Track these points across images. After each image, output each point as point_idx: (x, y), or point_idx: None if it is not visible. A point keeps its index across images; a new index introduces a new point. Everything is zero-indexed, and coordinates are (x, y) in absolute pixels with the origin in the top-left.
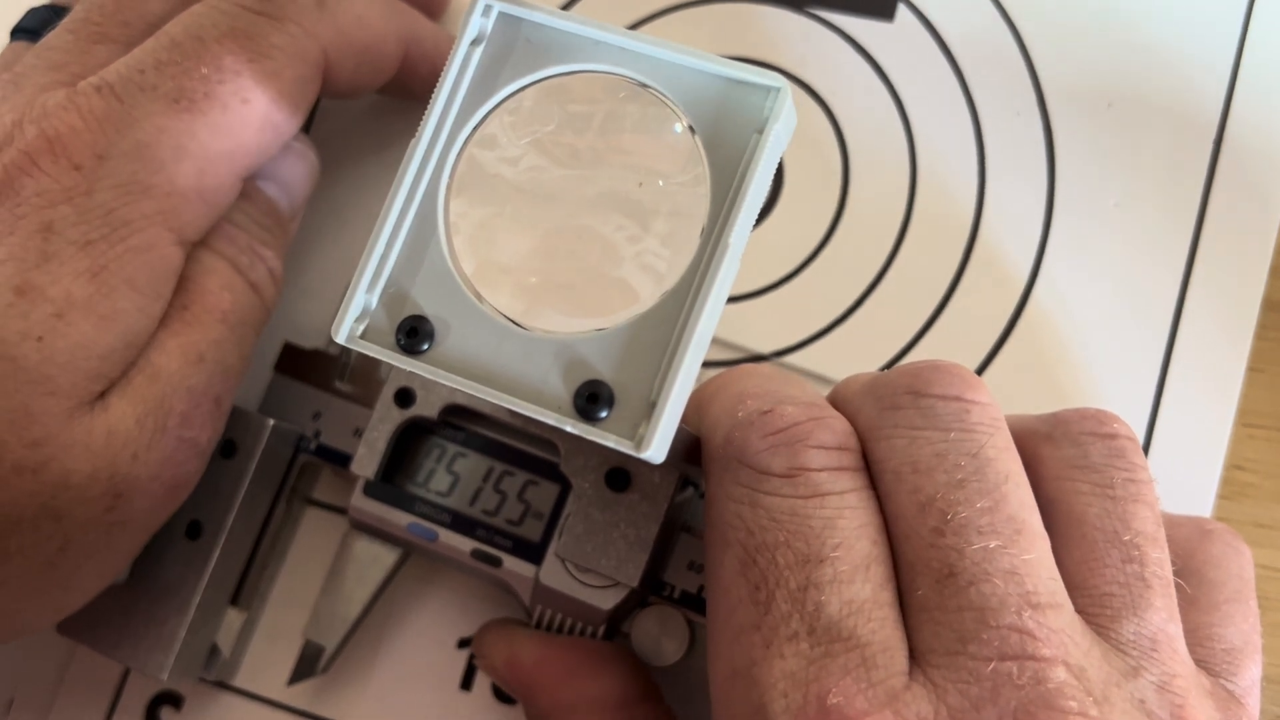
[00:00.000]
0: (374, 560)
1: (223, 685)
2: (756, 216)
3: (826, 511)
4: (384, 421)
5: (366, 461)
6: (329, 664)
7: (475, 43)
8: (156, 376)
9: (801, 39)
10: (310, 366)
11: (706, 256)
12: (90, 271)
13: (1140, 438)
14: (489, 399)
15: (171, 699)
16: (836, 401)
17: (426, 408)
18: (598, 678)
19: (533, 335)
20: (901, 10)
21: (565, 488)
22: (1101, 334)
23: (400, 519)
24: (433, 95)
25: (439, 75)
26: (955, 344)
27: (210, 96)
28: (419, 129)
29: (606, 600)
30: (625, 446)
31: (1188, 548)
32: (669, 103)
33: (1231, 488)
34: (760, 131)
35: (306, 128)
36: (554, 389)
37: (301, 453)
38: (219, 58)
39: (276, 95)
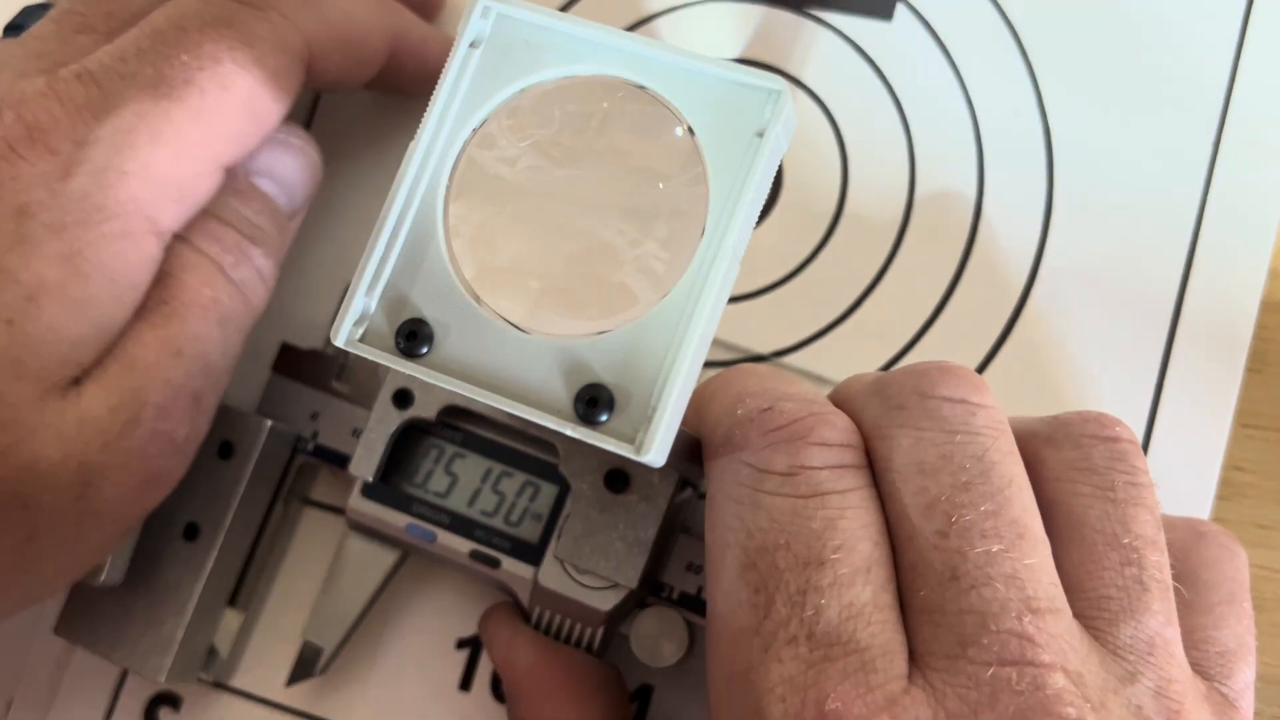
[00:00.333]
0: (372, 561)
1: (221, 685)
2: (757, 219)
3: (827, 512)
4: (382, 422)
5: (365, 462)
6: (327, 665)
7: (474, 44)
8: (132, 366)
9: (800, 39)
10: (308, 367)
11: (707, 259)
12: (63, 256)
13: (1139, 438)
14: (488, 403)
15: (170, 699)
16: (839, 401)
17: (425, 409)
18: (580, 702)
19: (532, 339)
20: (900, 10)
21: (564, 489)
22: (1100, 334)
23: (398, 520)
24: (432, 97)
25: (427, 72)
26: (954, 344)
27: (189, 83)
28: (418, 131)
29: (605, 601)
30: (626, 450)
31: (1182, 550)
32: (668, 105)
33: (1230, 489)
34: (761, 134)
35: (306, 127)
36: (554, 393)
37: (299, 453)
38: (200, 45)
39: (258, 83)
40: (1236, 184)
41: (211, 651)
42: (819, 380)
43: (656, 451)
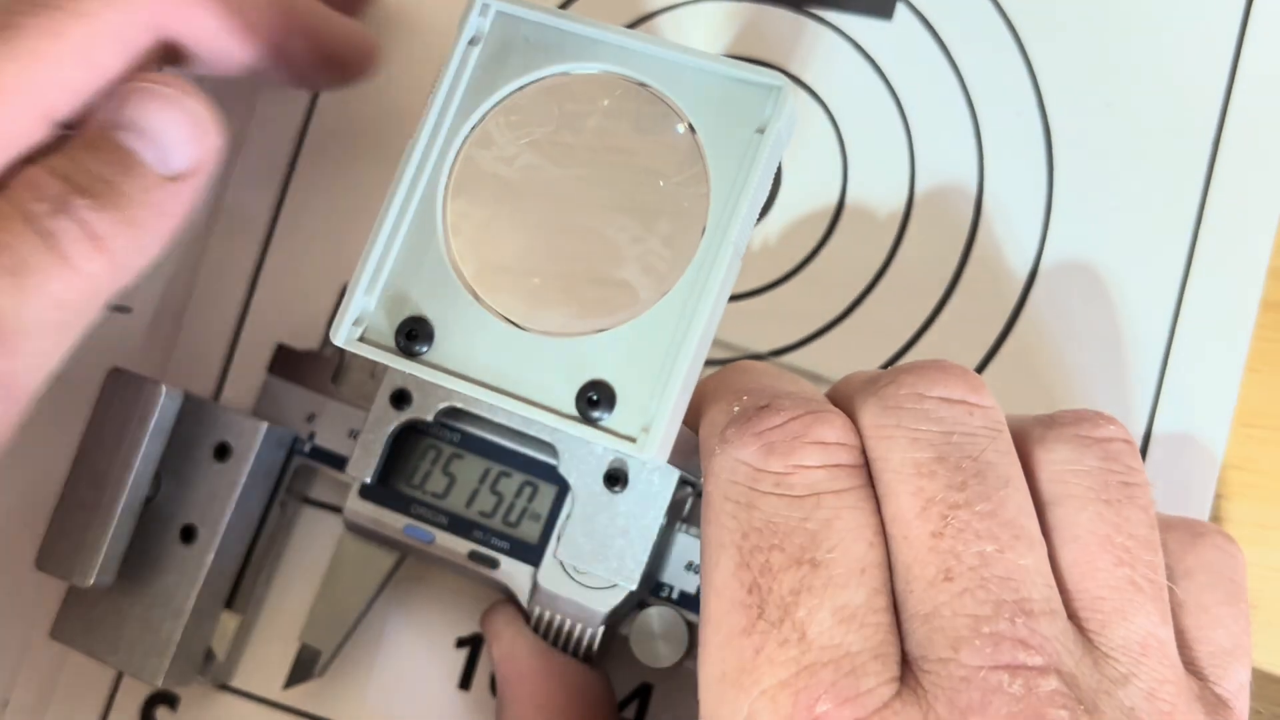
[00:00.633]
0: (370, 563)
1: (219, 685)
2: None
3: (823, 512)
4: (380, 424)
5: (363, 464)
6: (325, 668)
7: (473, 41)
8: None
9: (800, 38)
10: (304, 368)
11: (708, 256)
12: None
13: (1139, 438)
14: (489, 401)
15: (167, 699)
16: (836, 399)
17: (423, 409)
18: (567, 716)
19: (533, 336)
20: (900, 9)
21: (563, 489)
22: (1100, 334)
23: (396, 521)
24: (431, 95)
25: (321, 59)
26: (953, 343)
27: (15, 27)
28: (417, 129)
29: (605, 602)
30: (627, 448)
31: (1179, 550)
32: (669, 102)
33: (1230, 488)
34: (761, 131)
35: (305, 126)
36: (555, 391)
37: (296, 455)
38: None
39: (95, 33)
40: (1236, 184)
41: (209, 654)
42: (818, 379)
43: (657, 449)
